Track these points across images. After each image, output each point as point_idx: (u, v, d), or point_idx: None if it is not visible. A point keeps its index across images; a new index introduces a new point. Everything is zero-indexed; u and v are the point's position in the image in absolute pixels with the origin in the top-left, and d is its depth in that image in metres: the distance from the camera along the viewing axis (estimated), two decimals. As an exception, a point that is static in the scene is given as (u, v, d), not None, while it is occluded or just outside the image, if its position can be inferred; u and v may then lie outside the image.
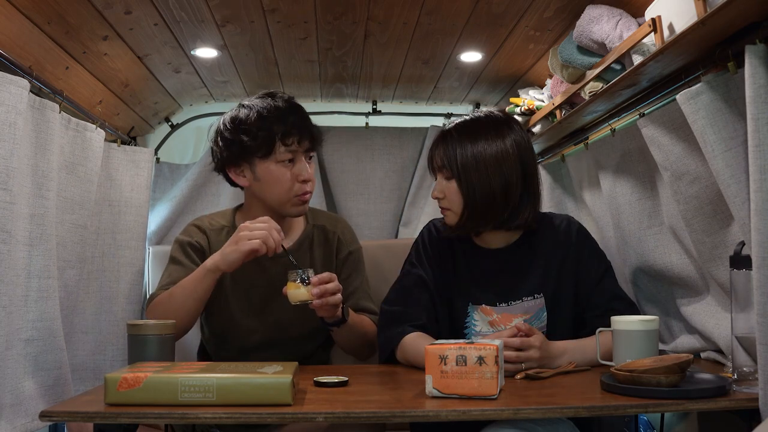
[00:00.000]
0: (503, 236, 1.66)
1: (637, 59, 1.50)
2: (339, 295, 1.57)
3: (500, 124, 1.61)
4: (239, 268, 1.69)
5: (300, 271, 1.55)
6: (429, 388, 1.23)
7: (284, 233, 1.79)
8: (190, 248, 1.77)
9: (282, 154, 1.68)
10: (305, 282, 1.54)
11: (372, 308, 1.82)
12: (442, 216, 1.74)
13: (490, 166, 1.56)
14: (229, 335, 1.79)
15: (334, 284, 1.55)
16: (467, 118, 1.64)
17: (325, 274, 1.55)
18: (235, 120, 1.71)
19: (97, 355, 2.01)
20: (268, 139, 1.67)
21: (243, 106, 1.74)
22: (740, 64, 1.26)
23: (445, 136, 1.63)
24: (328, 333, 1.84)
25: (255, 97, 1.76)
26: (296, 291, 1.55)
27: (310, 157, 1.76)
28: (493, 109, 1.71)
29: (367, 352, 1.83)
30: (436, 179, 1.66)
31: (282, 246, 1.61)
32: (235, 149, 1.70)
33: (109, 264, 2.10)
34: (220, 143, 1.73)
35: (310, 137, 1.73)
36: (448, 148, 1.60)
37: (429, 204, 2.72)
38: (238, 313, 1.77)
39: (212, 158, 1.79)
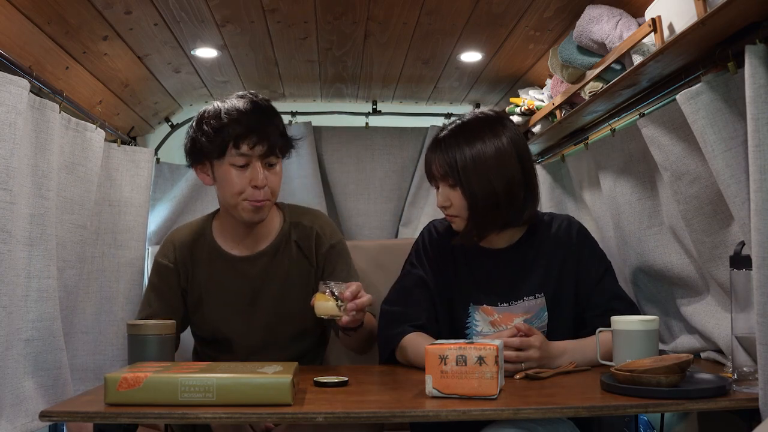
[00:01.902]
0: (505, 236, 1.66)
1: (637, 59, 1.50)
2: (367, 310, 1.52)
3: (494, 123, 1.59)
4: (215, 277, 1.72)
5: (332, 284, 1.48)
6: (429, 388, 1.23)
7: (259, 236, 1.76)
8: (165, 271, 1.77)
9: (234, 157, 1.62)
10: (335, 296, 1.46)
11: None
12: (442, 217, 1.74)
13: (491, 167, 1.54)
14: (218, 344, 1.77)
15: (368, 298, 1.49)
16: (459, 121, 1.62)
17: (354, 287, 1.48)
18: (200, 118, 1.68)
19: (97, 355, 2.01)
20: (221, 142, 1.61)
21: (213, 104, 1.69)
22: (740, 64, 1.26)
23: (440, 142, 1.59)
24: (319, 333, 1.82)
25: (229, 97, 1.70)
26: (325, 304, 1.46)
27: (271, 165, 1.66)
28: (483, 109, 1.69)
29: (368, 348, 1.80)
30: (435, 188, 1.64)
31: (312, 263, 1.54)
32: (196, 148, 1.67)
33: (109, 264, 2.10)
34: (187, 140, 1.71)
35: (267, 143, 1.63)
36: (447, 154, 1.57)
37: (429, 204, 2.72)
38: (223, 323, 1.75)
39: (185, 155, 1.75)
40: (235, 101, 1.66)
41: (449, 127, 1.61)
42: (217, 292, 1.75)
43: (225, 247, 1.76)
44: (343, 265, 1.78)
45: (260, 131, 1.62)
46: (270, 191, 1.65)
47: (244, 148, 1.61)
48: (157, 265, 1.79)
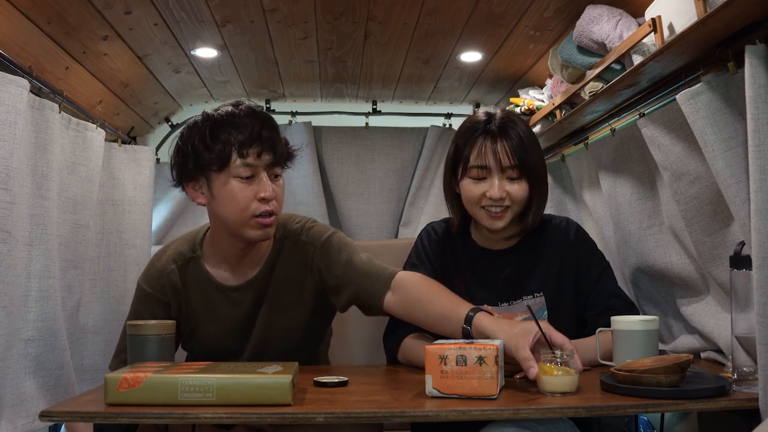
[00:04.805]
0: (507, 237, 1.66)
1: (637, 59, 1.50)
2: None
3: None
4: (209, 309, 1.60)
5: (559, 353, 1.25)
6: (429, 388, 1.23)
7: (252, 258, 1.62)
8: (153, 301, 1.62)
9: (238, 168, 1.47)
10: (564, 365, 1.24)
11: (393, 269, 1.59)
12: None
13: (539, 146, 1.61)
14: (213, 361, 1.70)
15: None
16: (499, 111, 1.60)
17: (577, 357, 1.29)
18: (191, 129, 1.52)
19: (106, 355, 1.98)
20: (222, 151, 1.46)
21: (203, 113, 1.55)
22: (740, 64, 1.26)
23: (500, 131, 1.55)
24: (312, 347, 1.75)
25: (222, 105, 1.55)
26: (555, 381, 1.22)
27: (276, 176, 1.53)
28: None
29: None
30: (476, 179, 1.57)
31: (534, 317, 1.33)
32: (190, 161, 1.50)
33: (115, 263, 2.10)
34: (176, 154, 1.54)
35: (273, 151, 1.50)
36: (512, 140, 1.54)
37: (429, 204, 2.72)
38: (217, 348, 1.66)
39: (171, 172, 1.57)
40: (231, 108, 1.52)
41: (496, 117, 1.58)
42: (212, 323, 1.64)
43: (217, 276, 1.62)
44: (345, 251, 1.61)
45: (266, 139, 1.49)
46: (275, 204, 1.52)
47: (251, 158, 1.47)
48: (142, 293, 1.64)
